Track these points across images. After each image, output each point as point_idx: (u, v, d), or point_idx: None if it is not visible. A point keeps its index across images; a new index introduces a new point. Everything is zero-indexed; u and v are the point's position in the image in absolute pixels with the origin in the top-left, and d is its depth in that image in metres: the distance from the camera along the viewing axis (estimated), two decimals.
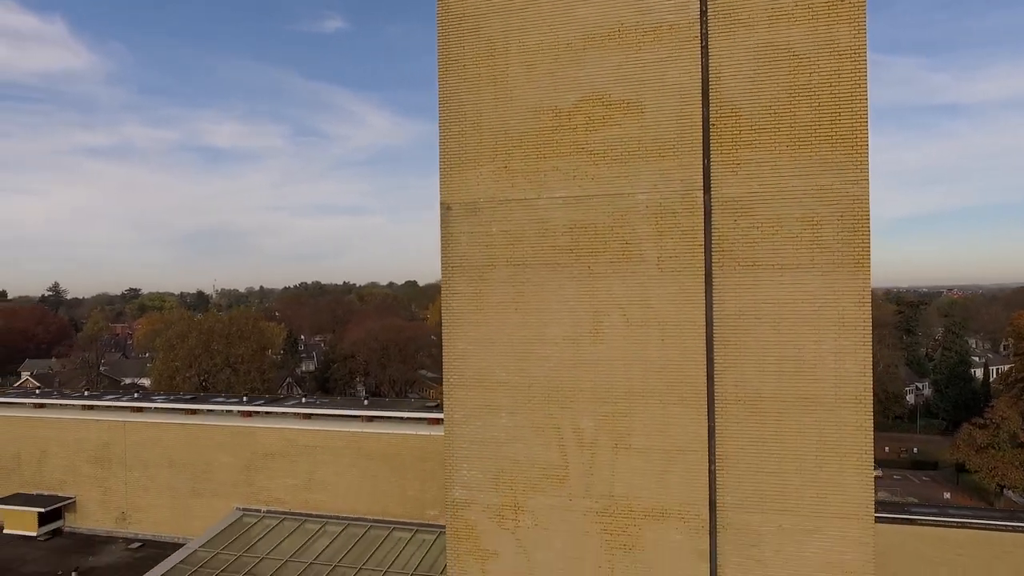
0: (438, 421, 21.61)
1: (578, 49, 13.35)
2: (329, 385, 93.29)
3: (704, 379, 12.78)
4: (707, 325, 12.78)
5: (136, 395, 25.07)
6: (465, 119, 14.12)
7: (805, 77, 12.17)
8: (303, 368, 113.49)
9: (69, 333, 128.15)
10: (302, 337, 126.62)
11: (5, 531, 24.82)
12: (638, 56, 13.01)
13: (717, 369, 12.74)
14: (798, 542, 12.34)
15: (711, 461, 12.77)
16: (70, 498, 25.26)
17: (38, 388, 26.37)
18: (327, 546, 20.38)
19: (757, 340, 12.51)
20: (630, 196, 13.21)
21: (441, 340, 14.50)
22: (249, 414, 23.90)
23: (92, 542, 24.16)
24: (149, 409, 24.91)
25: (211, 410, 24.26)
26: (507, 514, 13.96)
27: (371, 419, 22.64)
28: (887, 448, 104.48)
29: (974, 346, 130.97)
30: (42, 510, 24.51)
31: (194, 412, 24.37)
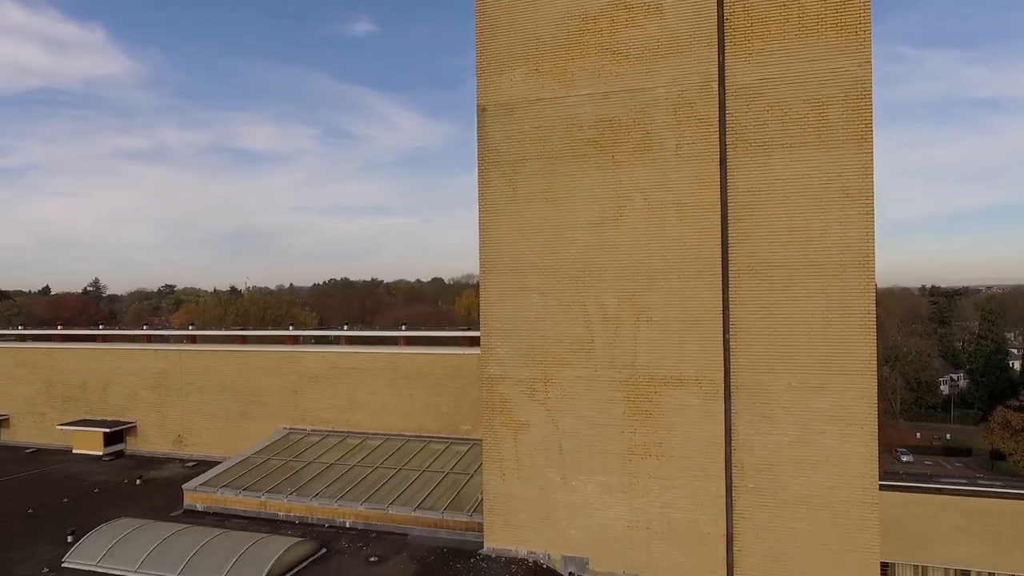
0: (471, 341, 22.98)
1: None
2: None
3: (719, 253, 13.92)
4: (722, 204, 13.92)
5: (191, 327, 26.88)
6: (499, 27, 15.48)
7: None
8: None
9: (111, 323, 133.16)
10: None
11: (74, 451, 26.98)
12: None
13: (731, 243, 13.87)
14: (806, 398, 13.40)
15: (725, 329, 13.90)
16: (131, 423, 27.29)
17: (101, 324, 28.34)
18: (368, 454, 21.92)
19: (768, 215, 13.61)
20: (651, 91, 14.42)
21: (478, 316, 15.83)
22: (295, 340, 25.64)
23: (151, 462, 26.09)
24: (203, 339, 26.85)
25: (260, 336, 26.05)
26: (537, 386, 15.26)
27: (408, 341, 24.19)
28: (919, 434, 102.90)
29: (1012, 339, 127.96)
30: (107, 430, 26.60)
31: (244, 340, 26.20)
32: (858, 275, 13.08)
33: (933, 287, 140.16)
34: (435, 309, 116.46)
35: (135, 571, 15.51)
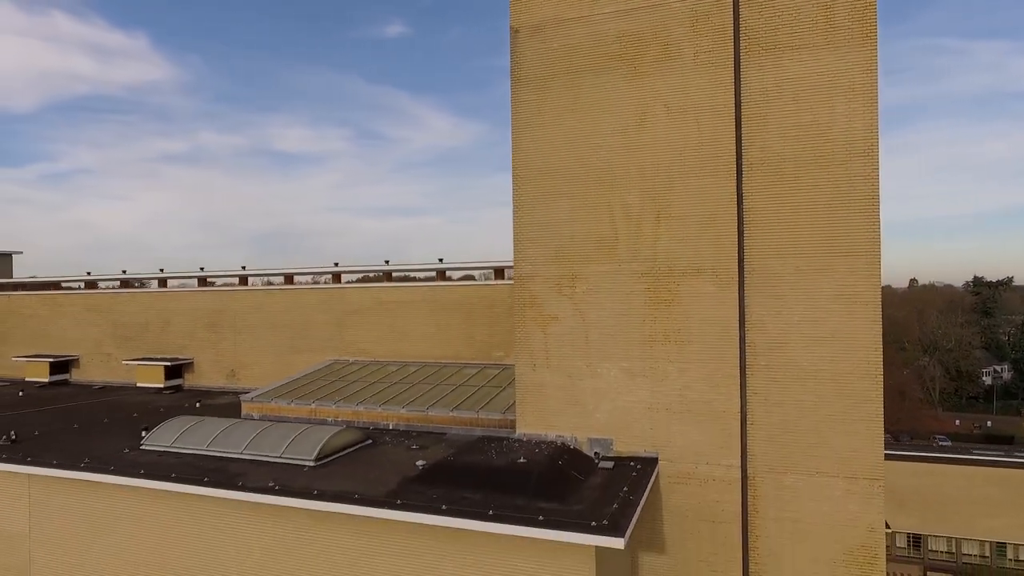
0: (502, 272, 24.42)
1: None
2: None
3: (733, 151, 15.09)
4: (736, 106, 15.09)
5: (243, 268, 28.94)
6: None
7: None
8: None
9: None
10: None
11: (137, 385, 29.28)
12: None
13: (744, 142, 15.03)
14: (812, 279, 14.47)
15: (739, 221, 15.06)
16: (189, 359, 29.46)
17: (162, 269, 30.60)
18: (407, 375, 23.53)
19: (778, 113, 14.73)
20: (669, 5, 15.65)
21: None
22: (339, 277, 27.47)
23: (207, 394, 28.14)
24: (255, 278, 28.92)
25: (307, 272, 27.94)
26: (565, 283, 16.61)
27: (445, 274, 25.75)
28: (958, 422, 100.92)
29: None
30: (167, 364, 28.82)
31: (292, 279, 28.12)
32: (862, 163, 14.11)
33: (976, 278, 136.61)
34: None
35: (204, 449, 17.33)
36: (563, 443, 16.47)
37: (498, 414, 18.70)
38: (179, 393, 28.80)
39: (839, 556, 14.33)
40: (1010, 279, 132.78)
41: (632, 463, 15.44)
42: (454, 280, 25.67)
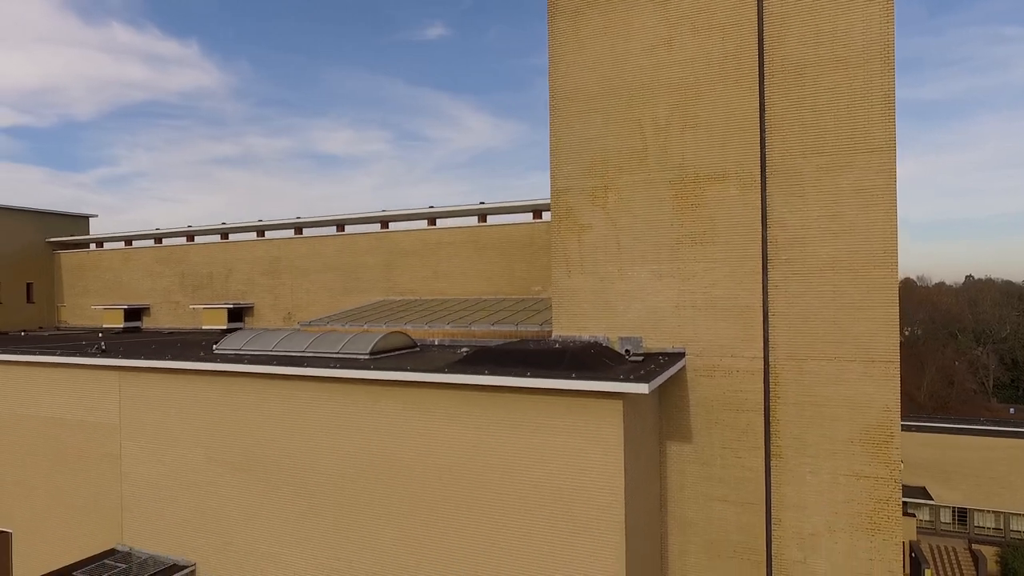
0: (539, 212, 25.79)
1: None
2: None
3: (756, 61, 16.10)
4: (758, 18, 16.10)
5: (298, 218, 31.05)
6: None
7: None
8: None
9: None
10: None
11: (203, 327, 31.76)
12: None
13: (766, 51, 16.03)
14: (831, 176, 15.39)
15: (762, 125, 16.07)
16: (249, 304, 31.76)
17: (223, 223, 33.01)
18: (450, 305, 25.14)
19: (798, 22, 15.69)
20: None
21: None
22: (386, 223, 29.29)
23: None
24: (310, 226, 31.00)
25: (358, 218, 29.82)
26: (598, 194, 17.88)
27: (485, 216, 27.25)
28: (1012, 410, 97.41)
29: None
30: (231, 307, 31.17)
31: (343, 227, 30.09)
32: (879, 65, 14.97)
33: None
34: None
35: (271, 350, 19.24)
36: (595, 341, 17.73)
37: (535, 326, 20.09)
38: None
39: (856, 435, 15.21)
40: None
41: (660, 357, 16.60)
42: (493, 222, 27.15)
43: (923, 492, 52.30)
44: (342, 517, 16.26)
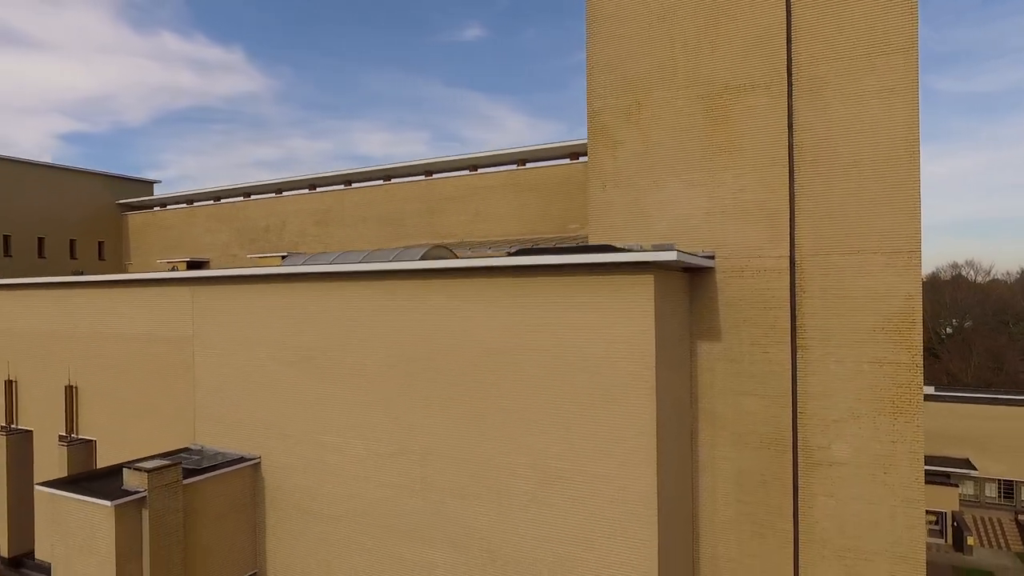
0: (576, 154, 26.92)
1: None
2: None
3: None
4: None
5: (347, 171, 32.89)
6: None
7: None
8: None
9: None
10: None
11: None
12: None
13: None
14: (855, 79, 16.15)
15: (788, 35, 16.94)
16: (301, 253, 33.78)
17: (277, 180, 35.13)
18: (487, 246, 26.57)
19: None
20: None
21: None
22: (430, 172, 30.86)
23: None
24: (359, 179, 32.78)
25: (403, 168, 31.46)
26: (631, 111, 18.97)
27: (524, 161, 28.56)
28: None
29: None
30: (283, 255, 33.24)
31: (389, 178, 31.79)
32: None
33: None
34: None
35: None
36: (630, 249, 18.83)
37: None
38: None
39: (879, 324, 15.98)
40: None
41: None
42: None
43: (967, 464, 51.49)
44: (393, 403, 17.77)
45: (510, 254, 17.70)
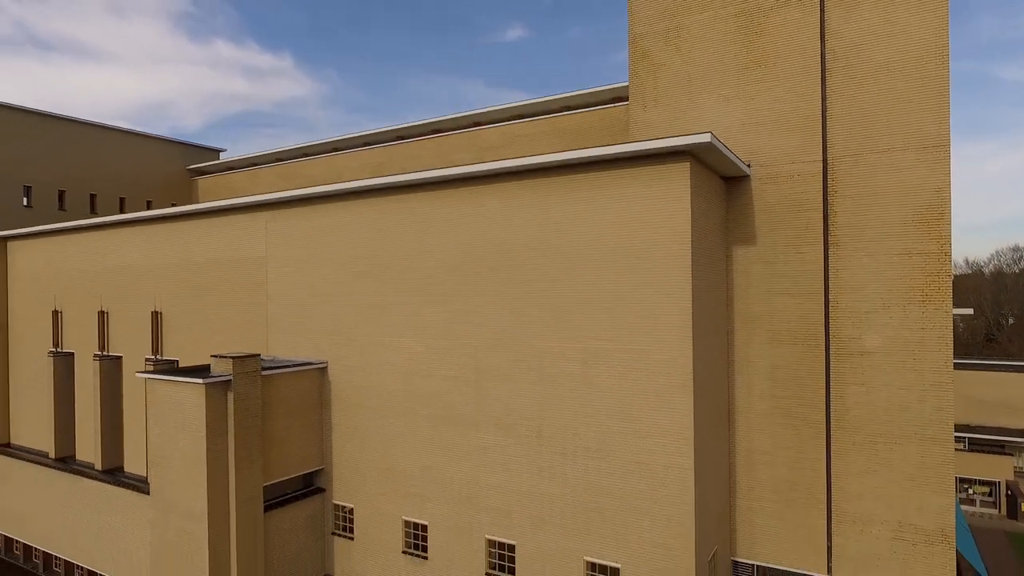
0: (617, 98, 28.04)
1: None
2: None
3: None
4: None
5: (399, 126, 34.81)
6: None
7: None
8: None
9: None
10: None
11: None
12: None
13: None
14: None
15: None
16: None
17: (335, 137, 37.35)
18: None
19: None
20: None
21: None
22: (478, 123, 32.47)
23: None
24: (409, 133, 34.69)
25: (452, 120, 33.15)
26: (671, 34, 20.10)
27: (567, 107, 29.88)
28: None
29: None
30: None
31: (438, 131, 33.58)
32: None
33: None
34: None
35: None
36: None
37: None
38: None
39: (909, 217, 16.75)
40: None
41: None
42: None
43: (1022, 434, 50.31)
44: (449, 302, 19.41)
45: None
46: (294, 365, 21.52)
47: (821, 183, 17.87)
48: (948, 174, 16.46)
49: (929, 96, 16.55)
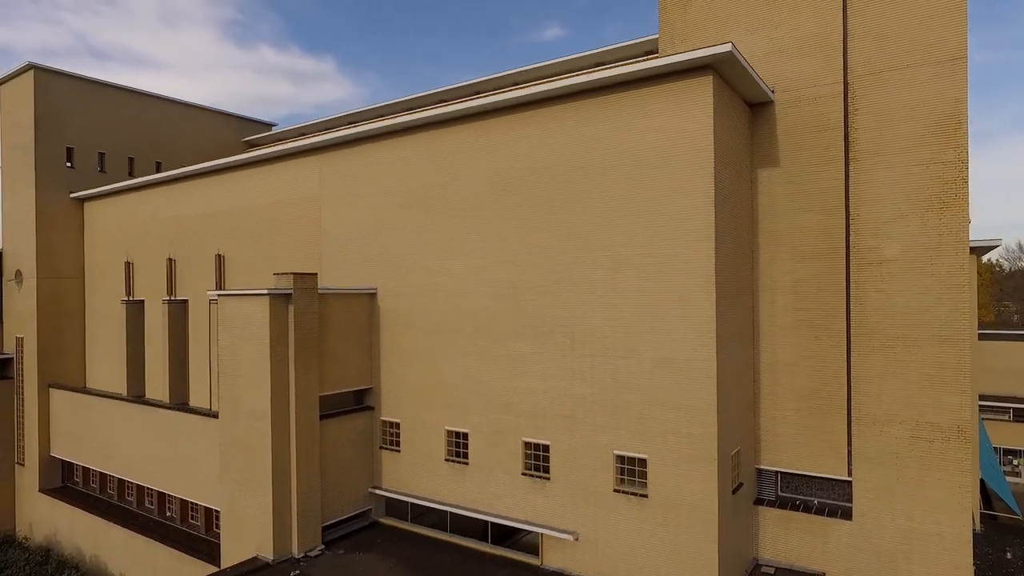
0: (650, 52, 29.09)
1: None
2: None
3: None
4: None
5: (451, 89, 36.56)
6: None
7: None
8: None
9: None
10: None
11: None
12: None
13: None
14: None
15: None
16: None
17: (368, 106, 39.34)
18: None
19: None
20: None
21: None
22: (516, 83, 34.00)
23: None
24: (450, 101, 36.51)
25: (492, 80, 34.78)
26: None
27: (599, 63, 31.09)
28: None
29: None
30: None
31: (478, 92, 35.24)
32: None
33: None
34: None
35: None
36: None
37: None
38: None
39: (927, 129, 17.49)
40: None
41: None
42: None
43: None
44: (488, 225, 20.94)
45: None
46: (346, 290, 23.39)
47: (842, 103, 18.72)
48: (965, 85, 17.15)
49: (947, 10, 17.27)
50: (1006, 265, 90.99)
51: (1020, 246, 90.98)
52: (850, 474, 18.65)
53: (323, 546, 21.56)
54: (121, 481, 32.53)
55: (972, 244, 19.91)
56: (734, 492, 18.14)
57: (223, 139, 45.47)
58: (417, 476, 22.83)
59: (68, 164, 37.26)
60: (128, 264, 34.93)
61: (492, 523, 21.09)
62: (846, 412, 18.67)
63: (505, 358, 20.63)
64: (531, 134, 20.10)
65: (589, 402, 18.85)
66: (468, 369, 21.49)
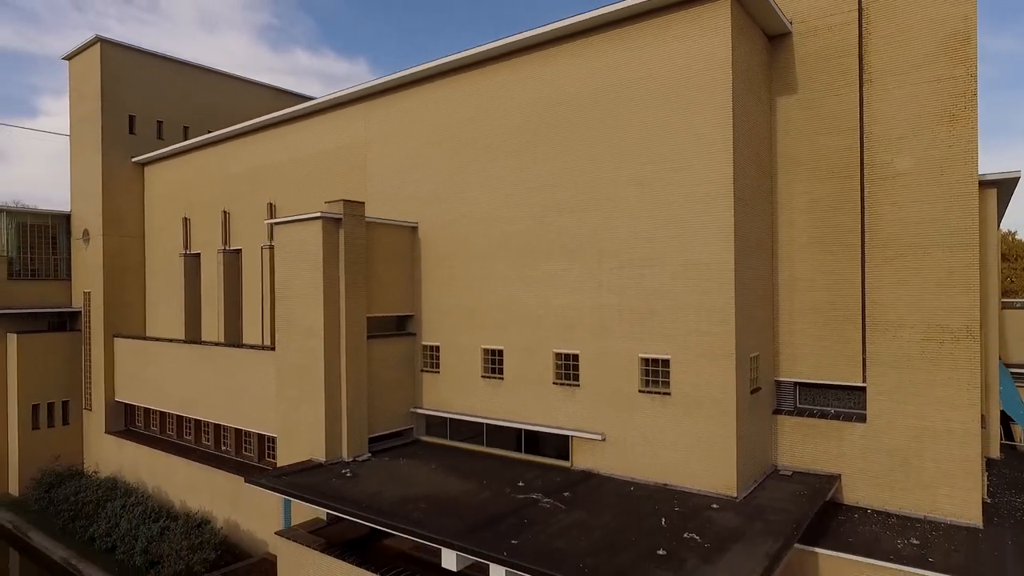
0: None
1: None
2: None
3: None
4: None
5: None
6: None
7: None
8: None
9: None
10: None
11: None
12: None
13: None
14: None
15: None
16: None
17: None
18: None
19: None
20: None
21: None
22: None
23: None
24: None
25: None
26: None
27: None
28: None
29: None
30: None
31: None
32: None
33: None
34: None
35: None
36: None
37: None
38: None
39: (937, 47, 18.48)
40: None
41: None
42: None
43: None
44: (520, 156, 22.57)
45: None
46: (391, 220, 25.28)
47: (857, 29, 19.80)
48: (974, 3, 18.10)
49: None
50: None
51: None
52: (864, 380, 19.72)
53: (369, 454, 23.46)
54: (180, 420, 35.07)
55: (991, 176, 20.82)
56: (752, 392, 19.39)
57: (268, 110, 47.96)
58: (456, 394, 24.58)
59: (130, 132, 40.09)
60: (186, 220, 37.53)
61: (526, 431, 22.71)
62: (860, 321, 19.76)
63: (538, 276, 22.21)
64: (561, 67, 21.66)
65: (616, 310, 20.32)
66: (504, 290, 23.14)
